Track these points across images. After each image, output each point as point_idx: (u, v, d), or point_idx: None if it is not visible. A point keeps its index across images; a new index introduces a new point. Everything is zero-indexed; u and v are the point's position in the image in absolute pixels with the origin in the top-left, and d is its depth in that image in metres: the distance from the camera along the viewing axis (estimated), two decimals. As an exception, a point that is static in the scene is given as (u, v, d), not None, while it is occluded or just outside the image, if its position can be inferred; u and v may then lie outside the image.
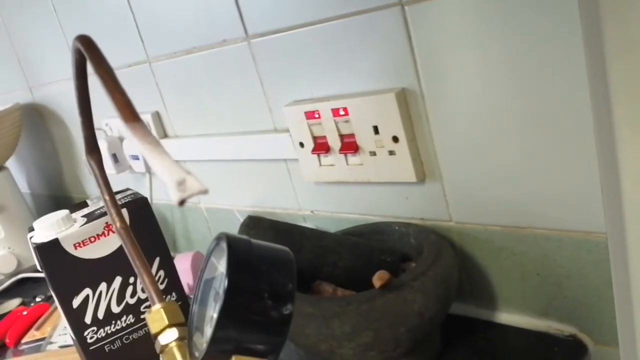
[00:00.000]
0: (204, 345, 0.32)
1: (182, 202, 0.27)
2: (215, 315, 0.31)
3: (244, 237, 0.34)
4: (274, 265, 0.33)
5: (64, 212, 0.61)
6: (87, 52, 0.34)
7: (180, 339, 0.36)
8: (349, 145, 0.69)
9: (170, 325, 0.36)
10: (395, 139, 0.64)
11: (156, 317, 0.37)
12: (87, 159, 0.44)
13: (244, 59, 0.76)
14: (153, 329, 0.37)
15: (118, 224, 0.41)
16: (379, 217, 0.73)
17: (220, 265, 0.33)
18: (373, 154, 0.67)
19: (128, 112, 0.31)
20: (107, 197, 0.42)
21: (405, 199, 0.69)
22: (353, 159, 0.70)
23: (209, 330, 0.31)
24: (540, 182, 0.57)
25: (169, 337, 0.36)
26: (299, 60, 0.71)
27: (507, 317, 0.66)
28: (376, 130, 0.66)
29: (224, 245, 0.33)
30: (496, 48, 0.54)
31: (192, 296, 0.38)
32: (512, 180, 0.59)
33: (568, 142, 0.54)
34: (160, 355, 0.36)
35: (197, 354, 0.33)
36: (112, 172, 1.06)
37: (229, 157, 0.87)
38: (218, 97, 0.84)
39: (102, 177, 0.43)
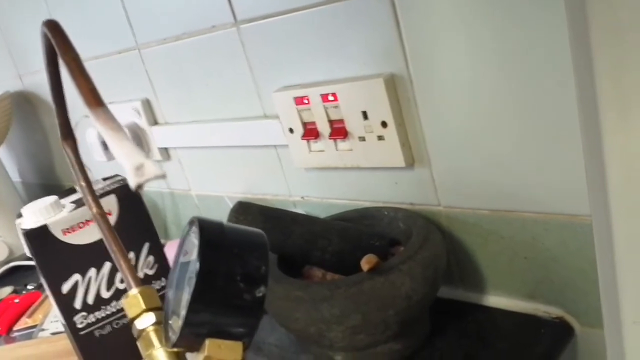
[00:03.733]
0: (178, 329, 0.32)
1: (139, 187, 0.27)
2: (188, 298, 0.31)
3: (217, 220, 0.34)
4: (247, 249, 0.33)
5: (53, 198, 0.61)
6: (53, 38, 0.34)
7: (157, 323, 0.36)
8: (339, 131, 0.69)
9: (146, 310, 0.36)
10: (384, 124, 0.65)
11: (133, 302, 0.37)
12: (63, 145, 0.44)
13: (233, 45, 0.76)
14: (130, 313, 0.37)
15: (94, 210, 0.41)
16: (369, 202, 0.73)
17: (194, 249, 0.33)
18: (362, 139, 0.67)
19: (91, 97, 0.32)
20: (82, 183, 0.42)
21: (394, 184, 0.69)
22: (342, 144, 0.70)
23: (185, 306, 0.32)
24: (527, 166, 0.57)
25: (145, 321, 0.36)
26: (288, 46, 0.71)
27: (495, 300, 0.67)
28: (365, 115, 0.66)
29: (196, 229, 0.33)
30: (484, 34, 0.54)
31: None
32: (500, 164, 0.59)
33: (554, 126, 0.54)
34: (137, 340, 0.36)
35: (172, 336, 0.33)
36: (102, 160, 1.06)
37: (219, 143, 0.87)
38: (208, 83, 0.84)
39: (77, 164, 0.43)
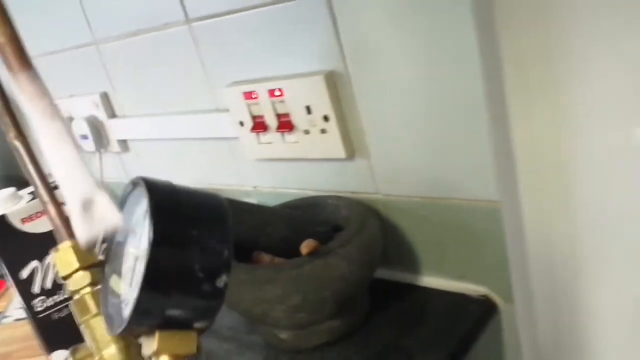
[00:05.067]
0: (125, 317, 0.27)
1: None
2: (143, 256, 0.26)
3: (167, 182, 0.29)
4: (206, 228, 0.28)
5: (11, 190, 0.64)
6: None
7: (92, 284, 0.30)
8: (285, 124, 0.73)
9: (81, 268, 0.30)
10: (326, 118, 0.69)
11: (64, 257, 0.30)
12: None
13: (186, 42, 0.80)
14: (62, 271, 0.30)
15: (12, 134, 0.33)
16: (315, 191, 0.78)
17: (137, 213, 0.27)
18: (307, 132, 0.72)
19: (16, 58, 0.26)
20: None
21: (336, 174, 0.74)
22: (289, 137, 0.74)
23: (128, 273, 0.27)
24: (452, 156, 0.62)
25: (79, 282, 0.30)
26: (237, 43, 0.74)
27: (429, 280, 0.72)
28: (309, 110, 0.70)
29: (144, 197, 0.27)
30: (412, 33, 0.59)
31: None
32: (429, 155, 0.64)
33: (472, 118, 0.59)
34: (72, 302, 0.31)
35: (117, 328, 0.28)
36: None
37: (174, 136, 0.91)
38: (163, 78, 0.87)
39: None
